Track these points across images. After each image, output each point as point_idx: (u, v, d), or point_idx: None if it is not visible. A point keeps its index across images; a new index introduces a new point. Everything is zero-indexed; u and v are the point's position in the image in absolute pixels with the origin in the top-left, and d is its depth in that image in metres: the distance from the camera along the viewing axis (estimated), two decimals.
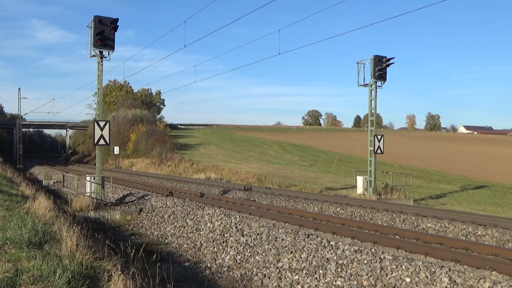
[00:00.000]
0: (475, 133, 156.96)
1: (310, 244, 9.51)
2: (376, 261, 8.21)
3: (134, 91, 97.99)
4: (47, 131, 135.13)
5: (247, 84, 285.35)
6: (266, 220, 13.48)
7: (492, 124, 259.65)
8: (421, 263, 7.88)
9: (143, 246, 8.85)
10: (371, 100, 22.38)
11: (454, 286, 7.04)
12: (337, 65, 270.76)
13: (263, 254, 9.68)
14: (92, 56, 16.65)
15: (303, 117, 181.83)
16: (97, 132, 16.39)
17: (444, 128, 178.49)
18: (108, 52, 16.68)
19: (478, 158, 58.71)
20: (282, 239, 10.13)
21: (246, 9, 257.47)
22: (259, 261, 9.45)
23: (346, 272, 8.16)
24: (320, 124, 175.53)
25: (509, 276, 7.37)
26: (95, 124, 16.66)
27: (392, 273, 7.77)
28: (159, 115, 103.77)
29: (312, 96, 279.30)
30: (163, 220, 14.46)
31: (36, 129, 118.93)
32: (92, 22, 16.04)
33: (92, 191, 16.73)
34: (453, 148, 77.11)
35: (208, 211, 13.67)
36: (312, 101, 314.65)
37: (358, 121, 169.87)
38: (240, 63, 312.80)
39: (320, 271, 8.36)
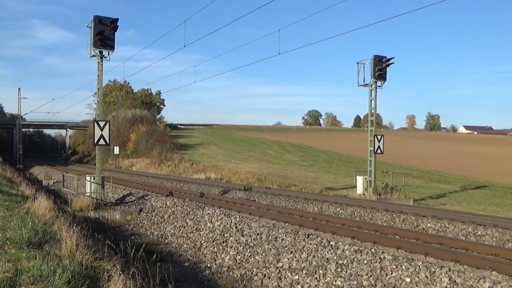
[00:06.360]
0: (475, 133, 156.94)
1: (310, 244, 9.51)
2: (376, 261, 8.21)
3: (134, 91, 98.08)
4: (47, 131, 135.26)
5: (247, 84, 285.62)
6: (266, 220, 13.48)
7: (492, 124, 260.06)
8: (421, 263, 7.88)
9: (143, 246, 8.86)
10: (371, 100, 22.38)
11: (454, 286, 7.04)
12: (337, 65, 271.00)
13: (263, 254, 9.68)
14: (92, 56, 16.65)
15: (303, 117, 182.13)
16: (97, 132, 16.40)
17: (444, 128, 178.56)
18: (108, 52, 16.69)
19: (478, 158, 58.69)
20: (282, 239, 10.13)
21: (246, 9, 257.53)
22: (259, 261, 9.45)
23: (346, 272, 8.16)
24: (320, 124, 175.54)
25: (509, 276, 7.37)
26: (95, 124, 16.66)
27: (392, 273, 7.77)
28: (159, 115, 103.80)
29: (312, 96, 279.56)
30: (163, 220, 14.46)
31: (36, 129, 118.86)
32: (92, 22, 16.03)
33: (92, 191, 16.73)
34: (453, 148, 77.09)
35: (208, 211, 13.66)
36: (312, 101, 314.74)
37: (358, 121, 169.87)
38: (240, 63, 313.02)
39: (320, 271, 8.36)
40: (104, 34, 16.11)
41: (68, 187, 20.96)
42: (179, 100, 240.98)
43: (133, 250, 7.75)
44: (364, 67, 22.24)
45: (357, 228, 12.11)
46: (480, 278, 7.07)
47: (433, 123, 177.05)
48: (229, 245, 10.70)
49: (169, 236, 12.75)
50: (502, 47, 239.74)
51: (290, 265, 8.92)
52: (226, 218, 12.51)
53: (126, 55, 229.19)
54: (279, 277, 8.60)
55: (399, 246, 9.78)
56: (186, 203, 15.53)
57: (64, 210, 13.81)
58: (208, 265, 9.94)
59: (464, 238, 11.98)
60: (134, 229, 14.43)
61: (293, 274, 8.55)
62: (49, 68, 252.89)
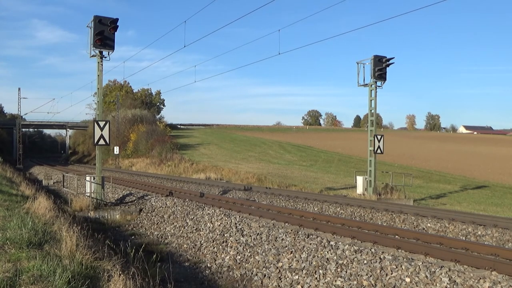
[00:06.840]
0: (475, 133, 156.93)
1: (310, 244, 9.51)
2: (376, 261, 8.21)
3: (134, 91, 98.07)
4: (47, 131, 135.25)
5: (247, 84, 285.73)
6: (266, 220, 13.48)
7: (492, 124, 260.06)
8: (421, 263, 7.88)
9: (143, 246, 8.86)
10: (371, 100, 22.38)
11: (454, 286, 7.04)
12: (337, 65, 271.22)
13: (263, 254, 9.68)
14: (92, 56, 16.65)
15: (303, 117, 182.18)
16: (97, 132, 16.40)
17: (444, 128, 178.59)
18: (108, 52, 16.69)
19: (478, 158, 58.68)
20: (282, 239, 10.13)
21: (246, 9, 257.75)
22: (259, 261, 9.45)
23: (346, 272, 8.16)
24: (320, 124, 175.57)
25: (509, 276, 7.37)
26: (95, 124, 16.66)
27: (392, 273, 7.77)
28: (159, 115, 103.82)
29: (312, 96, 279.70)
30: (163, 220, 14.45)
31: (36, 129, 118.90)
32: (92, 22, 16.03)
33: (92, 191, 16.73)
34: (453, 148, 77.08)
35: (208, 211, 13.66)
36: (312, 101, 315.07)
37: (358, 121, 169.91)
38: (240, 63, 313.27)
39: (320, 271, 8.36)
40: (104, 34, 16.11)
41: (68, 187, 20.96)
42: (179, 100, 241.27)
43: (133, 250, 7.74)
44: (364, 67, 22.25)
45: (357, 228, 12.11)
46: (480, 278, 7.07)
47: (433, 123, 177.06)
48: (229, 245, 10.70)
49: (169, 236, 12.75)
50: (502, 47, 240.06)
51: (290, 265, 8.92)
52: (226, 218, 12.51)
53: (126, 55, 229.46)
54: (279, 277, 8.61)
55: (399, 246, 9.78)
56: (186, 203, 15.53)
57: (64, 210, 13.81)
58: (208, 265, 9.94)
59: (464, 238, 11.98)
60: (134, 229, 14.43)
61: (293, 274, 8.55)
62: (49, 68, 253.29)
